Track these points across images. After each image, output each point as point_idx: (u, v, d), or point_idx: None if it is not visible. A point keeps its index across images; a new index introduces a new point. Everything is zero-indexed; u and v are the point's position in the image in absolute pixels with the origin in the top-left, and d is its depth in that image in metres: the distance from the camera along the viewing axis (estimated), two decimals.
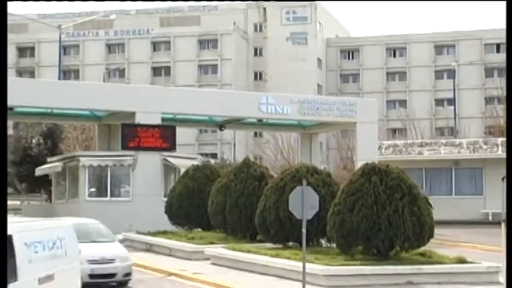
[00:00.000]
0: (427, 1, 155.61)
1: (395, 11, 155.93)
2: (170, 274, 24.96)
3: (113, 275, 20.88)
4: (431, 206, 23.35)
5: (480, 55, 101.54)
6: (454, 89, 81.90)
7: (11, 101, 38.10)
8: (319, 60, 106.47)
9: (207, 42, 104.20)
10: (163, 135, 39.17)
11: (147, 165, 38.45)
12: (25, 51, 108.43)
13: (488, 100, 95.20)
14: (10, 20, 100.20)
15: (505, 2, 18.04)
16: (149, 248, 31.20)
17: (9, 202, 61.59)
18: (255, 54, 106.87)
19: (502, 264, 17.80)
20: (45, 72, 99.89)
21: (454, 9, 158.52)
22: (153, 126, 38.98)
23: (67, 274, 15.12)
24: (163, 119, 39.64)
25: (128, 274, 21.28)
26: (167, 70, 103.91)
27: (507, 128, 21.03)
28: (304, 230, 19.65)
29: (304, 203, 19.59)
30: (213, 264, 26.34)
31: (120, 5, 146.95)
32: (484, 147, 48.57)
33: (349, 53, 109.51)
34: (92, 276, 20.06)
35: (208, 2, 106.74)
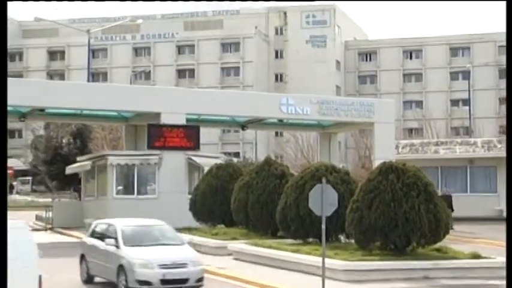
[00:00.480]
0: (442, 2, 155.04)
1: (411, 14, 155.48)
2: None
3: (185, 281, 19.10)
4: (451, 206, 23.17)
5: (494, 57, 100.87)
6: (469, 90, 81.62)
7: (42, 102, 38.73)
8: (337, 62, 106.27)
9: (229, 45, 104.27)
10: (187, 135, 39.21)
11: (172, 164, 38.52)
12: (55, 54, 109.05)
13: (502, 100, 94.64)
14: (41, 25, 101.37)
15: (504, 2, 17.89)
16: None
17: (40, 199, 61.45)
18: (276, 56, 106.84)
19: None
20: (74, 74, 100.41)
21: (468, 12, 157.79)
22: (178, 127, 39.02)
23: (16, 280, 13.39)
24: (187, 120, 39.68)
25: (201, 279, 19.51)
26: (191, 72, 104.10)
27: (507, 128, 20.87)
28: (323, 226, 19.64)
29: (323, 201, 19.57)
30: (235, 259, 26.37)
31: (146, 10, 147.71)
32: (498, 146, 48.30)
33: (367, 55, 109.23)
34: (163, 281, 18.77)
35: (230, 2, 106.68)
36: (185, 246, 20.41)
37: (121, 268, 19.06)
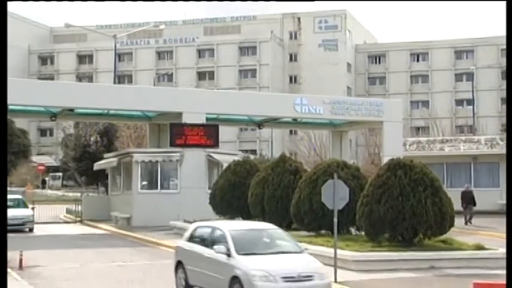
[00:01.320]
0: (448, 7, 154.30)
1: (418, 18, 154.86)
2: None
3: None
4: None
5: (497, 59, 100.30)
6: (472, 91, 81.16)
7: (72, 103, 38.83)
8: (348, 64, 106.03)
9: (246, 49, 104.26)
10: (207, 134, 39.23)
11: (193, 160, 38.57)
12: (84, 58, 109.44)
13: (504, 100, 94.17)
14: (71, 31, 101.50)
15: (504, 2, 16.77)
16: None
17: (70, 193, 61.51)
18: (290, 59, 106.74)
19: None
20: (102, 77, 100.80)
21: (472, 17, 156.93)
22: (198, 125, 39.06)
23: None
24: (207, 119, 39.72)
25: None
26: (211, 74, 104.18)
27: (507, 128, 20.50)
28: (335, 219, 19.60)
29: (335, 195, 19.53)
30: None
31: (168, 15, 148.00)
32: (501, 143, 48.05)
33: (376, 57, 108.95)
34: None
35: (247, 8, 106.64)
36: (306, 255, 16.60)
37: (235, 280, 15.49)
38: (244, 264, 15.49)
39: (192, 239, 18.18)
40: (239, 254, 15.85)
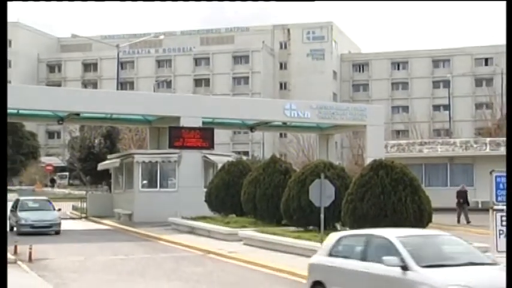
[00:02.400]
0: (427, 19, 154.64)
1: (399, 30, 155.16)
2: (209, 252, 24.99)
3: None
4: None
5: (471, 68, 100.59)
6: (449, 97, 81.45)
7: (78, 108, 38.69)
8: (334, 72, 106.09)
9: (240, 58, 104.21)
10: (203, 136, 39.19)
11: (190, 161, 38.53)
12: (89, 66, 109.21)
13: (478, 106, 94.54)
14: (77, 41, 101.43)
15: (505, 2, 16.41)
16: (192, 231, 31.26)
17: (76, 192, 61.34)
18: (280, 67, 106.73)
19: (491, 244, 17.63)
20: (105, 84, 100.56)
21: (448, 28, 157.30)
22: (195, 129, 39.01)
23: None
24: (203, 123, 39.67)
25: None
26: (207, 81, 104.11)
27: (507, 128, 19.97)
28: (322, 216, 19.61)
29: (322, 193, 19.57)
30: (245, 244, 26.34)
31: (167, 27, 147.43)
32: (475, 146, 48.25)
33: (360, 66, 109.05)
34: None
35: (240, 21, 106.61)
36: (501, 267, 12.22)
37: None
38: (434, 279, 11.25)
39: (335, 252, 13.62)
40: (421, 267, 11.62)
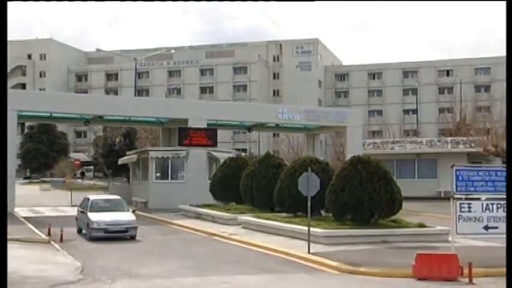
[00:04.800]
0: (397, 37, 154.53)
1: (374, 46, 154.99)
2: (213, 235, 25.00)
3: None
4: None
5: (435, 78, 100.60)
6: (416, 103, 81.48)
7: (101, 111, 38.63)
8: (319, 81, 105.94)
9: (239, 69, 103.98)
10: (208, 136, 39.20)
11: (196, 157, 38.53)
12: (111, 76, 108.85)
13: (441, 110, 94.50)
14: (101, 54, 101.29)
15: (505, 2, 15.48)
16: (198, 216, 31.27)
17: (99, 183, 61.44)
18: (274, 77, 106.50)
19: (451, 228, 17.65)
20: (125, 91, 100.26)
21: (416, 44, 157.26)
22: (201, 129, 39.02)
23: None
24: (208, 124, 39.68)
25: None
26: (211, 89, 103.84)
27: (507, 128, 19.13)
28: (309, 204, 19.60)
29: (309, 184, 19.53)
30: (243, 228, 26.36)
31: (177, 42, 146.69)
32: (438, 144, 48.37)
33: (341, 76, 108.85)
34: None
35: (240, 38, 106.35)
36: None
37: None
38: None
39: None
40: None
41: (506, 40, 14.96)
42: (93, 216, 23.40)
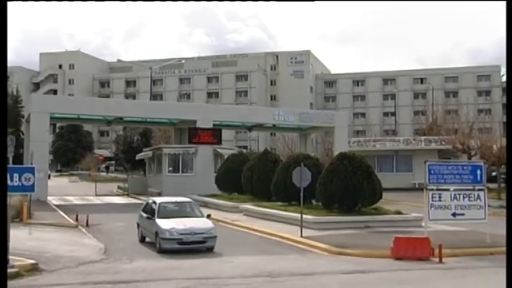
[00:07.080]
0: (378, 49, 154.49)
1: (358, 56, 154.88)
2: (218, 221, 25.00)
3: None
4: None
5: (410, 85, 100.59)
6: (395, 106, 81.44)
7: (122, 113, 38.60)
8: (311, 88, 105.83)
9: (241, 77, 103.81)
10: (214, 135, 39.23)
11: (204, 153, 38.56)
12: (130, 83, 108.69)
13: (416, 113, 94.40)
14: (121, 64, 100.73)
15: (505, 3, 13.98)
16: (205, 205, 31.19)
17: (120, 175, 60.91)
18: (271, 84, 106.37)
19: (424, 214, 17.72)
20: (142, 96, 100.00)
21: (394, 56, 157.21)
22: (208, 129, 39.05)
23: None
24: (214, 125, 39.70)
25: None
26: (216, 94, 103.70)
27: (507, 128, 18.60)
28: (301, 194, 19.64)
29: (301, 177, 19.56)
30: (245, 215, 26.42)
31: (187, 53, 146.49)
32: (413, 142, 48.38)
33: (330, 83, 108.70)
34: None
35: (242, 49, 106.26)
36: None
37: None
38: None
39: None
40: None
41: (506, 40, 13.61)
42: (164, 224, 16.62)
